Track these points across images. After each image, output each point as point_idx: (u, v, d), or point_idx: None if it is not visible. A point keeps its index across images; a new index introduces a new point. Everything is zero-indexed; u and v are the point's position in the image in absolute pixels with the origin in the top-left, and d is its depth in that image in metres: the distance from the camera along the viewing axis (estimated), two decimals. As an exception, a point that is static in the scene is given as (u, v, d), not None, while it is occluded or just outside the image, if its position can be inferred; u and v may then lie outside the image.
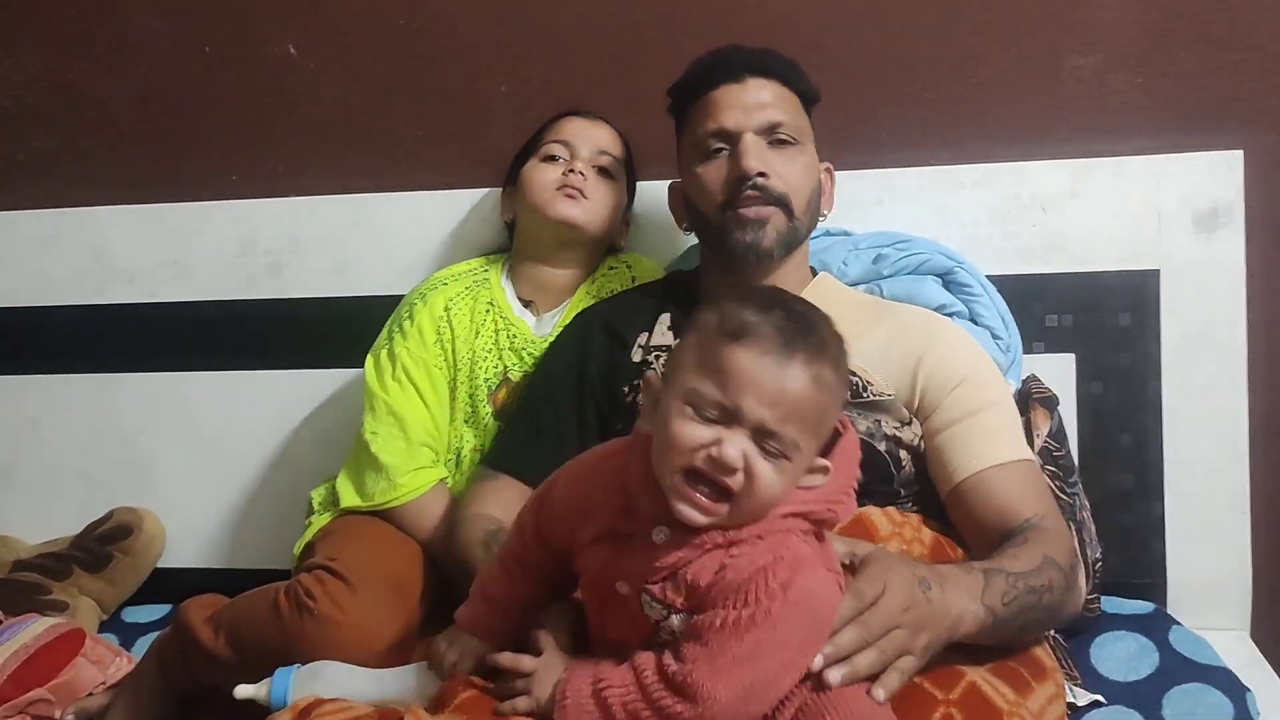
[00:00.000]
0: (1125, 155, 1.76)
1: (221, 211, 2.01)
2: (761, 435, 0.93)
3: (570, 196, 1.66)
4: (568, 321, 1.65)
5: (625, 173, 1.74)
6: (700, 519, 0.93)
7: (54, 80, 2.09)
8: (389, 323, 1.74)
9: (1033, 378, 1.66)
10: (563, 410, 1.51)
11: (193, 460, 2.02)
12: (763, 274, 1.44)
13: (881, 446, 1.34)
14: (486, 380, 1.67)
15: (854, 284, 1.65)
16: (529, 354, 1.67)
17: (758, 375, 0.92)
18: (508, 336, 1.68)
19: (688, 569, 0.95)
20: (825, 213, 1.53)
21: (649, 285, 1.65)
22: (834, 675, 0.96)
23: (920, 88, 1.83)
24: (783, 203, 1.40)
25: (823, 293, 1.47)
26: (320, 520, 1.65)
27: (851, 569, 1.07)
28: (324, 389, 1.96)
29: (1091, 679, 1.49)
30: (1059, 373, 1.73)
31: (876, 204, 1.79)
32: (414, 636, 1.43)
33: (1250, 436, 1.73)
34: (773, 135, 1.41)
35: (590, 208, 1.67)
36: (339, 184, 1.99)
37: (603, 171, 1.70)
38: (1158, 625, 1.58)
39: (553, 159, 1.70)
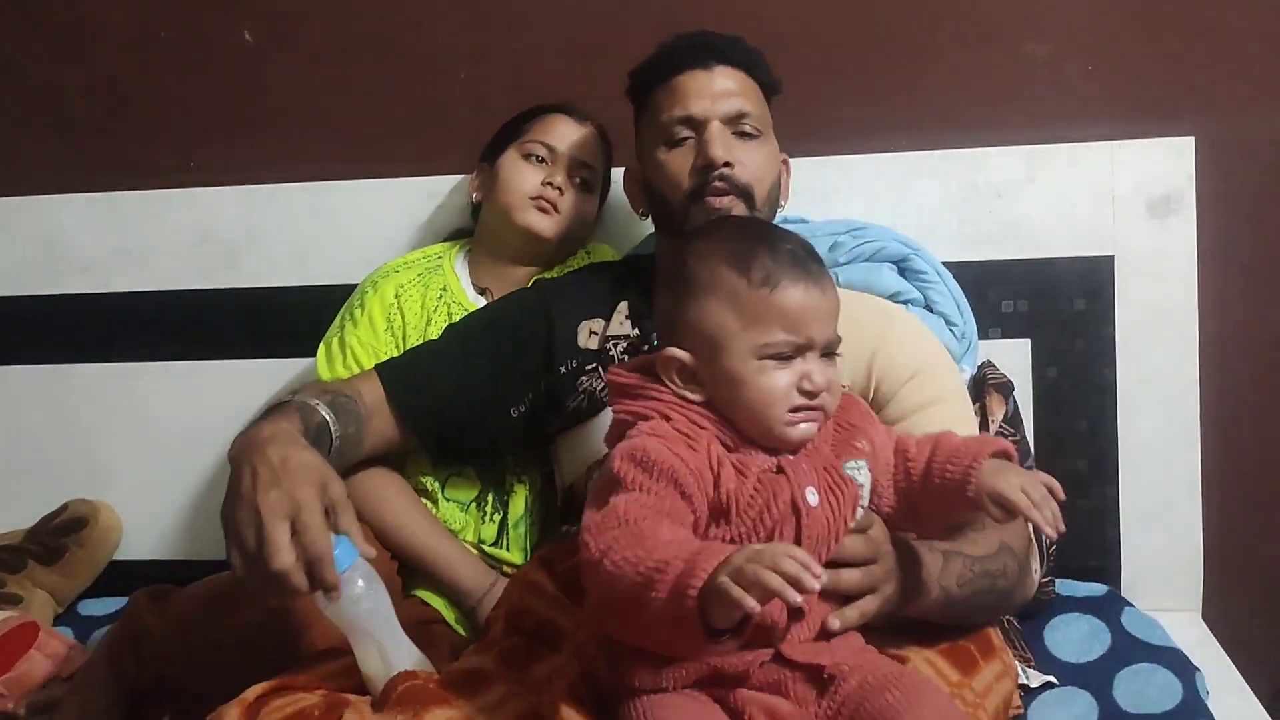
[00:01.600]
0: (1079, 142, 1.77)
1: (178, 200, 1.99)
2: (826, 349, 1.03)
3: (543, 210, 1.65)
4: None
5: (602, 180, 1.73)
6: (816, 433, 1.03)
7: (6, 64, 2.06)
8: (341, 311, 1.72)
9: (988, 364, 1.68)
10: (471, 354, 1.48)
11: (148, 453, 2.00)
12: None
13: None
14: None
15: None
16: None
17: (810, 306, 1.01)
18: None
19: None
20: (783, 204, 1.52)
21: (603, 267, 1.64)
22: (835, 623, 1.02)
23: (876, 76, 1.84)
24: (746, 193, 1.38)
25: None
26: None
27: None
28: (282, 379, 1.94)
29: (1045, 661, 1.51)
30: (1015, 358, 1.75)
31: (834, 191, 1.79)
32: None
33: (1202, 420, 1.75)
34: (738, 125, 1.40)
35: (560, 220, 1.66)
36: (297, 172, 1.97)
37: (582, 184, 1.69)
38: (1110, 607, 1.61)
39: (534, 159, 1.68)
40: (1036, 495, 1.00)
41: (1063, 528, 1.00)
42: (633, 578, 0.88)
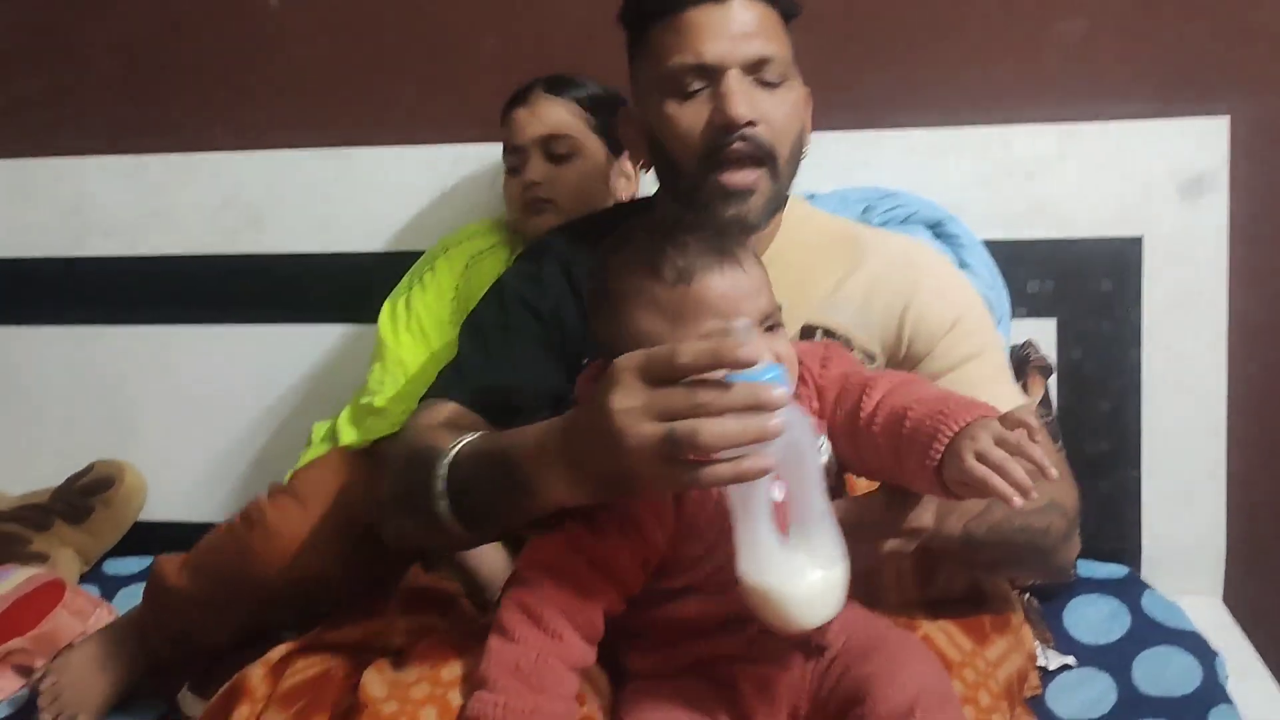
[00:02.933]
0: (1111, 120, 1.75)
1: (203, 163, 1.98)
2: (764, 323, 0.97)
3: (536, 212, 1.62)
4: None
5: (596, 134, 1.65)
6: None
7: (33, 25, 2.05)
8: (411, 271, 1.70)
9: (1030, 344, 1.65)
10: (523, 340, 1.27)
11: (174, 414, 2.01)
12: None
13: None
14: None
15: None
16: None
17: (730, 288, 0.95)
18: None
19: None
20: (805, 151, 1.27)
21: (600, 217, 1.42)
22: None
23: (905, 49, 1.81)
24: (770, 157, 1.18)
25: (793, 222, 1.29)
26: (313, 452, 1.63)
27: None
28: (305, 344, 1.95)
29: (1064, 642, 1.51)
30: (1039, 338, 1.73)
31: (861, 166, 1.78)
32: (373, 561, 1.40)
33: (1228, 404, 1.74)
34: (760, 73, 1.17)
35: (561, 208, 1.61)
36: (322, 137, 1.96)
37: (560, 158, 1.62)
38: (1131, 589, 1.61)
39: (514, 172, 1.66)
40: (995, 457, 0.86)
41: (1032, 494, 0.85)
42: None
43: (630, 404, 0.85)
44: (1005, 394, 1.23)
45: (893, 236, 1.36)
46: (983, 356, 1.25)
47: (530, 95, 1.65)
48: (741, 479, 0.84)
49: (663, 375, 0.85)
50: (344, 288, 1.76)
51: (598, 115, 1.63)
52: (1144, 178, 1.73)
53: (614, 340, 0.97)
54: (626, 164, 1.67)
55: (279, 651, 1.14)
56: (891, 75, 1.81)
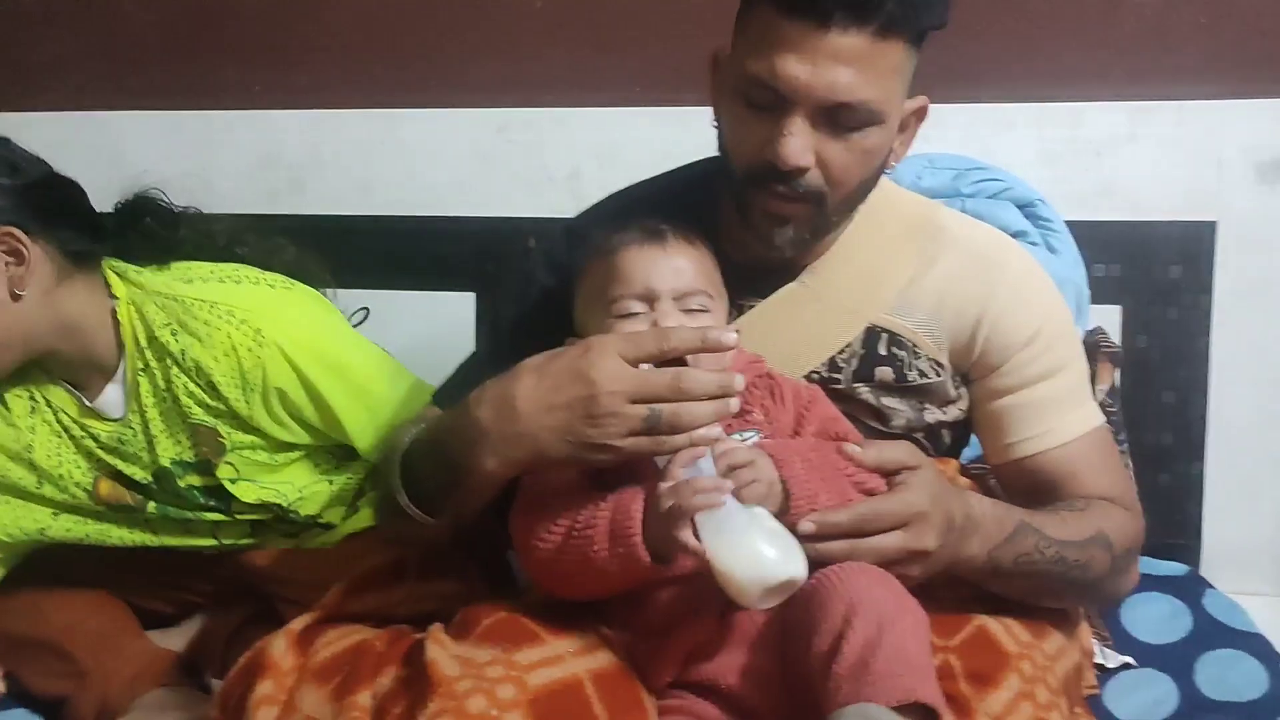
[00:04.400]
0: (1186, 100, 1.69)
1: (243, 122, 1.96)
2: (680, 300, 1.04)
3: None
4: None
5: None
6: None
7: (73, -18, 2.03)
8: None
9: (1100, 330, 1.60)
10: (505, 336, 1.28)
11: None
12: None
13: (920, 436, 1.20)
14: None
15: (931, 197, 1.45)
16: None
17: (643, 259, 1.04)
18: None
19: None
20: (892, 165, 1.16)
21: (642, 196, 1.28)
22: (806, 525, 0.94)
23: (971, 20, 1.74)
24: (817, 198, 1.08)
25: (871, 206, 1.17)
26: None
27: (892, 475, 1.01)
28: (345, 308, 1.91)
29: (1122, 640, 1.46)
30: (1104, 325, 1.67)
31: (923, 140, 1.66)
32: None
33: (1299, 397, 1.69)
34: (835, 118, 1.04)
35: None
36: (364, 98, 1.93)
37: None
38: (1191, 588, 1.55)
39: None
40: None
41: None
42: (567, 544, 0.96)
43: (618, 386, 0.92)
44: (1077, 418, 1.18)
45: (978, 228, 1.24)
46: (1057, 376, 1.17)
47: None
48: (695, 446, 0.93)
49: (649, 356, 0.94)
50: (387, 251, 1.72)
51: None
52: (1218, 160, 1.67)
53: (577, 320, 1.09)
54: (4, 240, 1.28)
55: (300, 622, 1.09)
56: (957, 48, 1.73)
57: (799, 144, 1.03)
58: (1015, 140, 1.72)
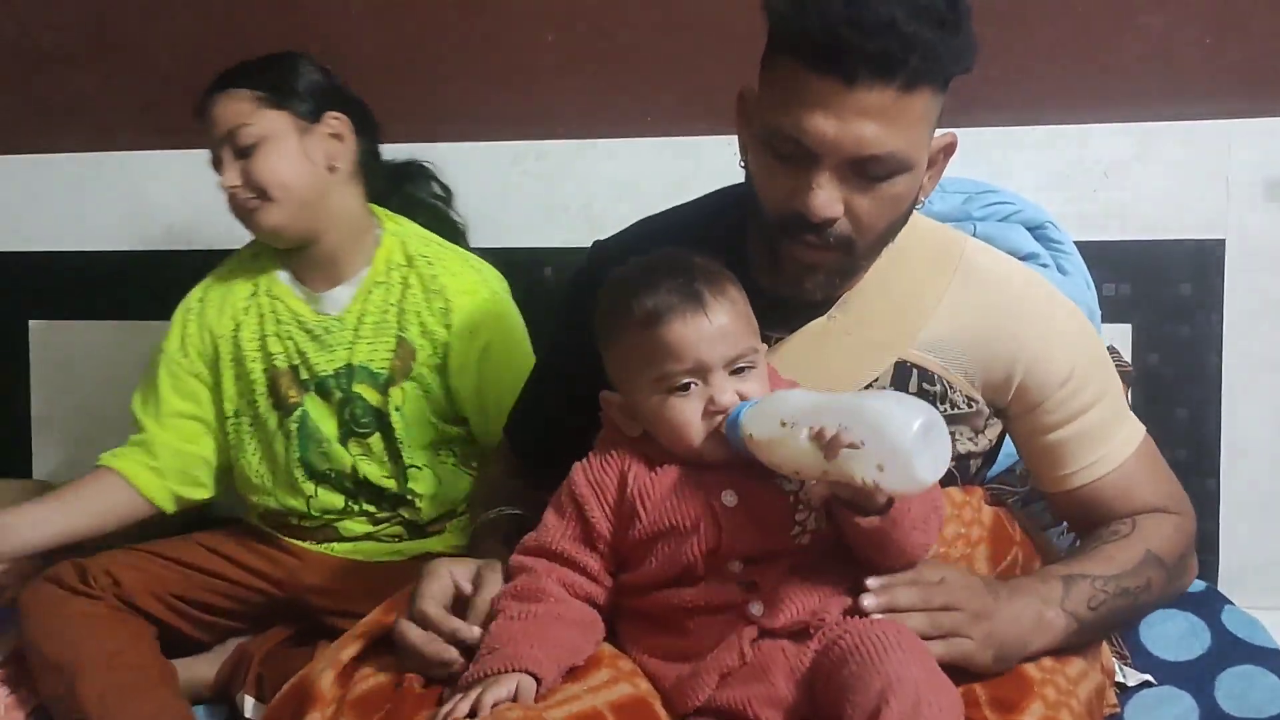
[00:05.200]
0: (1193, 120, 1.70)
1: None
2: (732, 366, 1.02)
3: (245, 210, 1.56)
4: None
5: (277, 109, 1.54)
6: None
7: (93, 22, 2.06)
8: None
9: (1111, 349, 1.62)
10: (552, 376, 1.33)
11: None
12: None
13: (951, 466, 1.13)
14: None
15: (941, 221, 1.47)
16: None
17: (690, 333, 1.01)
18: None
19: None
20: (921, 200, 1.15)
21: (669, 226, 1.28)
22: (869, 602, 0.98)
23: (980, 44, 1.76)
24: (846, 244, 1.08)
25: (900, 236, 1.16)
26: None
27: None
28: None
29: (1141, 658, 1.47)
30: (1115, 344, 1.68)
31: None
32: None
33: (1311, 414, 1.70)
34: (864, 170, 1.04)
35: (273, 205, 1.53)
36: (380, 133, 1.94)
37: (244, 151, 1.53)
38: (1210, 604, 1.56)
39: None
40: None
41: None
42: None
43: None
44: (1122, 437, 1.19)
45: (1006, 263, 1.23)
46: (1100, 404, 1.17)
47: (207, 99, 1.56)
48: None
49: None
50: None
51: (271, 90, 1.54)
52: (1225, 179, 1.69)
53: (606, 367, 1.07)
54: (330, 122, 1.57)
55: (349, 653, 1.09)
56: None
57: (827, 196, 1.04)
58: (1024, 162, 1.73)
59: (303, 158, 1.54)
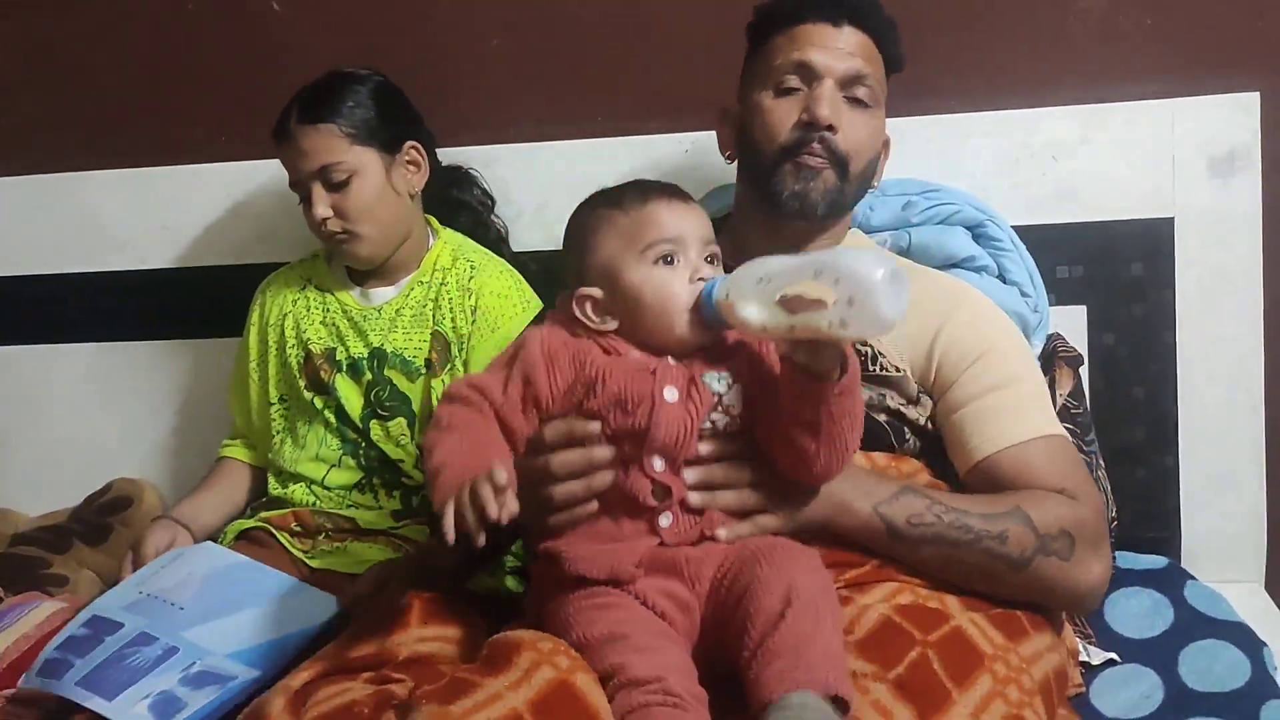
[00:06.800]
0: (1137, 100, 1.71)
1: (211, 175, 1.97)
2: (706, 253, 1.14)
3: (340, 244, 1.64)
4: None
5: (364, 144, 1.62)
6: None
7: (39, 43, 2.04)
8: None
9: (1057, 336, 1.63)
10: None
11: (192, 431, 1.99)
12: (804, 229, 1.36)
13: (881, 418, 1.28)
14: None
15: (879, 231, 1.60)
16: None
17: (677, 214, 1.14)
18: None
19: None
20: (875, 184, 1.44)
21: None
22: (695, 497, 1.10)
23: (926, 35, 1.76)
24: (841, 162, 1.32)
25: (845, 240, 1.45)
26: None
27: None
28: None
29: (1106, 637, 1.48)
30: (1070, 325, 1.70)
31: (884, 155, 1.74)
32: None
33: (1266, 387, 1.70)
34: (853, 90, 1.33)
35: (362, 237, 1.62)
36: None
37: (336, 186, 1.60)
38: (1172, 580, 1.57)
39: (305, 203, 1.64)
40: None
41: None
42: (427, 469, 1.06)
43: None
44: (1032, 422, 1.25)
45: (940, 277, 1.44)
46: (1009, 387, 1.26)
47: (289, 129, 1.61)
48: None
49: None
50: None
51: (360, 126, 1.62)
52: (1172, 157, 1.69)
53: (583, 272, 1.15)
54: (410, 152, 1.67)
55: (299, 679, 1.11)
56: (911, 61, 1.76)
57: (829, 104, 1.31)
58: (973, 149, 1.74)
59: (389, 190, 1.64)
